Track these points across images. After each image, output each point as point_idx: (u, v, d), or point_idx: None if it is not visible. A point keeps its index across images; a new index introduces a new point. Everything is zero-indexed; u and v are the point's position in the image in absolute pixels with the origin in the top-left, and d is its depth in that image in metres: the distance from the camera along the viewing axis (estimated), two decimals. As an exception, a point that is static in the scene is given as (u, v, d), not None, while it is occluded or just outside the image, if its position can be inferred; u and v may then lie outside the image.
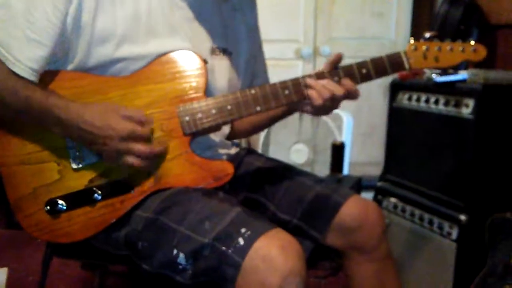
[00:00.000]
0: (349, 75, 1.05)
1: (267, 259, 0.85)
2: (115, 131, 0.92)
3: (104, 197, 0.99)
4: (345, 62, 1.07)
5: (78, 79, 1.00)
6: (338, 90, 1.04)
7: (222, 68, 1.16)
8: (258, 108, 1.04)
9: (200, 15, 1.11)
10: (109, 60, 1.00)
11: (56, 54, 0.97)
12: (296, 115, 2.69)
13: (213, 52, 1.15)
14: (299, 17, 2.96)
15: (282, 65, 2.92)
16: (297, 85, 1.05)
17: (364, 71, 1.06)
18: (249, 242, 0.87)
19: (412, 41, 1.08)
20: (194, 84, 1.03)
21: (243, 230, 0.88)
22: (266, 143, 2.61)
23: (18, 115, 0.97)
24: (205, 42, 1.13)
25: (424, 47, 1.07)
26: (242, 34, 1.25)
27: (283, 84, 1.05)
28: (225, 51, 1.18)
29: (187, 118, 1.02)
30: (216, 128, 1.07)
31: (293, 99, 1.05)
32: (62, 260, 1.18)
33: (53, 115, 0.93)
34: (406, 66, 1.07)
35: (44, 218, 0.99)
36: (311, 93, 1.04)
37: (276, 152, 2.58)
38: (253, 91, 1.03)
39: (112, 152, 0.94)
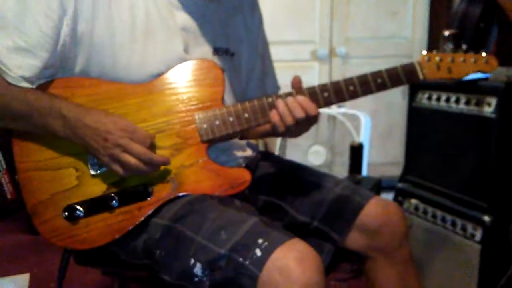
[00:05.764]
0: (365, 84, 1.06)
1: (284, 271, 0.84)
2: (119, 129, 0.93)
3: (122, 203, 0.99)
4: (362, 62, 1.07)
5: (95, 86, 1.00)
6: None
7: (225, 69, 1.13)
8: None
9: (201, 16, 1.10)
10: (109, 69, 1.00)
11: (55, 64, 0.98)
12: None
13: (216, 52, 1.14)
14: (314, 18, 2.95)
15: (298, 66, 2.91)
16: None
17: (379, 80, 1.07)
18: (266, 253, 0.85)
19: (425, 52, 1.10)
20: (211, 93, 1.04)
21: (260, 240, 0.87)
22: (283, 146, 2.61)
23: (19, 122, 0.97)
24: (208, 43, 1.12)
25: (437, 58, 1.09)
26: (243, 34, 1.23)
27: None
28: (227, 52, 1.17)
29: (204, 126, 1.02)
30: (233, 135, 1.08)
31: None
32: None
33: (58, 112, 0.94)
34: (420, 76, 1.09)
35: (61, 224, 0.99)
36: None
37: (294, 154, 2.57)
38: (270, 99, 1.03)
39: (110, 148, 0.93)
